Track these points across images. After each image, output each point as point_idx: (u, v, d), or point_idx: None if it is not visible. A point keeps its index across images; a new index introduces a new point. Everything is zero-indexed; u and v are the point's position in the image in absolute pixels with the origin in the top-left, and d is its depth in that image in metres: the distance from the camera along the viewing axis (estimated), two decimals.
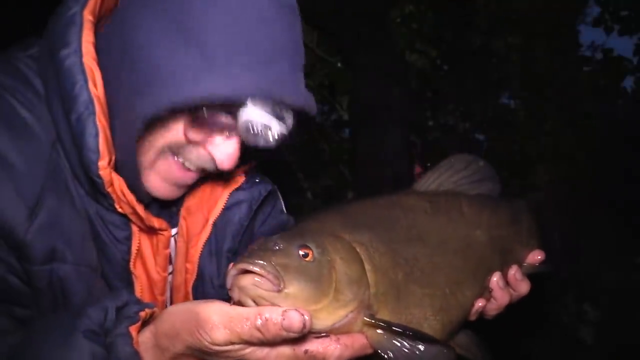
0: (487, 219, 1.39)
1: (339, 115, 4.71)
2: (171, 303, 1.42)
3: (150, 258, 1.32)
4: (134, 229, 1.26)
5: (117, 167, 1.17)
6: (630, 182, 4.13)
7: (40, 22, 1.25)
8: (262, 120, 1.11)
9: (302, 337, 0.97)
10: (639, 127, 4.55)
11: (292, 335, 0.92)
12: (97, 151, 1.11)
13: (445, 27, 4.71)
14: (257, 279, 0.95)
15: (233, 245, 1.40)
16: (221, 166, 1.21)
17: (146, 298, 1.31)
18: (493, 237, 1.39)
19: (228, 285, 0.99)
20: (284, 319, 0.91)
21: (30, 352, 1.02)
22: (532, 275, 1.43)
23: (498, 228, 1.41)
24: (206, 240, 1.38)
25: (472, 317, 1.34)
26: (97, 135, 1.11)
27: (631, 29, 4.99)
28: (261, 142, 1.15)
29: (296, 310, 0.92)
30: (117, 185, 1.15)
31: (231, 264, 1.00)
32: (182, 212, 1.42)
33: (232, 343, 0.94)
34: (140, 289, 1.30)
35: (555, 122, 4.73)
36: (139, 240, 1.27)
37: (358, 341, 1.04)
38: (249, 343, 0.94)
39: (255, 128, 1.12)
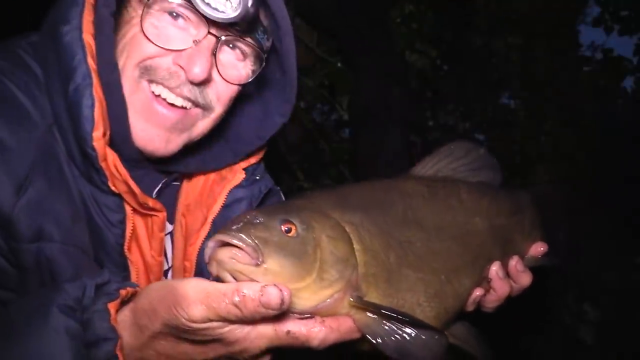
0: (486, 206, 1.37)
1: (339, 115, 4.70)
2: None
3: (145, 241, 1.31)
4: (128, 211, 1.25)
5: (111, 141, 1.19)
6: (630, 182, 4.12)
7: (40, 22, 1.27)
8: None
9: (284, 317, 0.94)
10: (639, 127, 4.56)
11: (270, 312, 0.88)
12: (92, 120, 1.12)
13: (445, 27, 4.71)
14: (235, 251, 0.92)
15: None
16: (193, 76, 1.21)
17: (142, 284, 1.30)
18: (493, 225, 1.36)
19: (206, 258, 0.96)
20: (262, 295, 0.87)
21: (4, 325, 0.98)
22: (535, 270, 1.39)
23: (498, 217, 1.38)
24: (205, 238, 1.36)
25: (470, 308, 1.30)
26: (93, 105, 1.13)
27: (631, 29, 5.02)
28: (219, 15, 1.16)
29: (275, 285, 0.88)
30: (110, 160, 1.16)
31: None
32: (181, 209, 1.41)
33: (210, 320, 0.90)
34: (136, 274, 1.29)
35: (555, 122, 4.74)
36: (133, 223, 1.26)
37: (345, 324, 0.99)
38: (227, 320, 0.91)
39: None
